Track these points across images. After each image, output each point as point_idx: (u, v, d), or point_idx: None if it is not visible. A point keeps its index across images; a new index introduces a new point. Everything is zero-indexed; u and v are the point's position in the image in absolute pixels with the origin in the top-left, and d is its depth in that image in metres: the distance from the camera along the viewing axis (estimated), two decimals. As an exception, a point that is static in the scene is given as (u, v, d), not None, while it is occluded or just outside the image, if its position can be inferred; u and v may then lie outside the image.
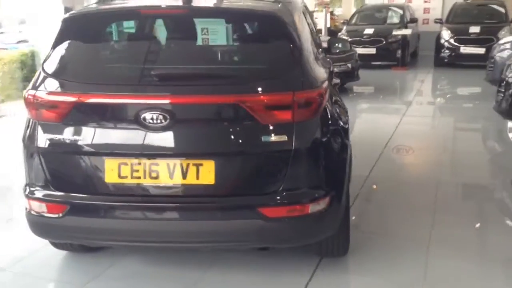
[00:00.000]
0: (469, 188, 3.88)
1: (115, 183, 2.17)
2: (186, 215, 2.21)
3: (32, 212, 2.29)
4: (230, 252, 2.78)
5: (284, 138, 2.14)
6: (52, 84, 2.22)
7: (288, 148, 2.15)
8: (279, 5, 2.43)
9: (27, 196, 2.29)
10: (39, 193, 2.25)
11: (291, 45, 2.23)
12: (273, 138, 2.13)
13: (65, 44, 2.33)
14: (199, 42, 2.48)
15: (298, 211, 2.20)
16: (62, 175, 2.25)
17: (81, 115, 2.16)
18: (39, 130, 2.22)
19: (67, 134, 2.18)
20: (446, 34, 10.19)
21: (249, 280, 2.57)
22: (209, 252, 2.75)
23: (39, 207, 2.25)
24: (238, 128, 2.15)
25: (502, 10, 10.62)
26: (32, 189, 2.28)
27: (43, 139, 2.21)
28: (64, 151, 2.20)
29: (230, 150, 2.16)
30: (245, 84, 2.16)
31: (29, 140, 2.26)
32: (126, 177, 2.16)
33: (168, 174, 2.15)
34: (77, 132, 2.17)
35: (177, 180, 2.15)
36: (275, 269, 2.65)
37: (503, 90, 4.92)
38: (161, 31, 2.60)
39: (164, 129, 2.10)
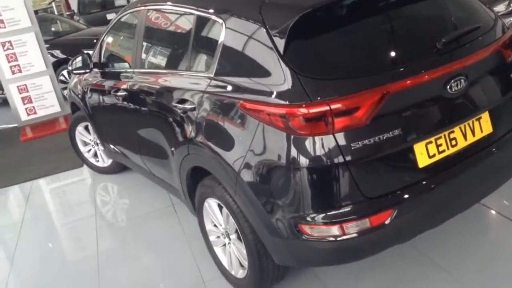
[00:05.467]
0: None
1: (427, 166, 2.05)
2: (484, 169, 2.22)
3: (343, 237, 1.98)
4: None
5: None
6: (340, 87, 1.92)
7: None
8: None
9: (334, 222, 1.96)
10: (353, 212, 1.97)
11: None
12: None
13: (312, 41, 2.02)
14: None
15: None
16: (376, 180, 2.01)
17: (385, 108, 1.94)
18: (339, 142, 1.91)
19: (373, 134, 1.94)
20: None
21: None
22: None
23: (359, 226, 1.97)
24: (501, 69, 2.30)
25: None
26: (340, 211, 1.96)
27: (348, 150, 1.92)
28: (374, 154, 1.96)
29: (496, 96, 2.29)
30: (495, 28, 2.32)
31: (317, 160, 1.93)
32: (434, 155, 2.07)
33: (462, 137, 2.14)
34: (383, 129, 1.95)
35: (470, 139, 2.16)
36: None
37: None
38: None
39: (462, 92, 2.09)
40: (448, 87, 2.05)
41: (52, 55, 7.79)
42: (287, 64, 1.97)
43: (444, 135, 2.11)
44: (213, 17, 2.42)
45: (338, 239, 1.99)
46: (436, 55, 2.08)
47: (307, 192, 1.98)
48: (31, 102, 6.33)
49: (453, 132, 2.13)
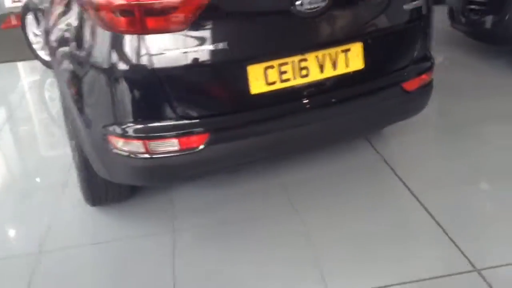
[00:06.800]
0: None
1: (263, 93, 1.80)
2: (342, 109, 1.97)
3: (147, 155, 1.79)
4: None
5: (420, 3, 2.02)
6: None
7: (421, 14, 2.03)
8: None
9: (138, 137, 1.76)
10: (161, 129, 1.76)
11: None
12: (413, 4, 1.98)
13: None
14: None
15: (425, 80, 2.15)
16: (193, 99, 1.79)
17: (211, 15, 1.68)
18: (151, 45, 1.66)
19: (196, 43, 1.68)
20: None
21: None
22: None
23: (166, 146, 1.77)
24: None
25: None
26: (144, 126, 1.77)
27: (161, 57, 1.68)
28: (193, 68, 1.71)
29: (376, 27, 1.95)
30: None
31: (127, 63, 1.69)
32: (274, 82, 1.81)
33: (318, 68, 1.85)
34: (206, 39, 1.69)
35: (328, 72, 1.87)
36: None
37: None
38: None
39: (319, 14, 1.77)
40: (297, 2, 1.72)
41: None
42: None
43: (293, 62, 1.82)
44: None
45: (143, 156, 1.81)
46: None
47: (115, 99, 1.77)
48: (16, -11, 6.19)
49: (305, 60, 1.84)
